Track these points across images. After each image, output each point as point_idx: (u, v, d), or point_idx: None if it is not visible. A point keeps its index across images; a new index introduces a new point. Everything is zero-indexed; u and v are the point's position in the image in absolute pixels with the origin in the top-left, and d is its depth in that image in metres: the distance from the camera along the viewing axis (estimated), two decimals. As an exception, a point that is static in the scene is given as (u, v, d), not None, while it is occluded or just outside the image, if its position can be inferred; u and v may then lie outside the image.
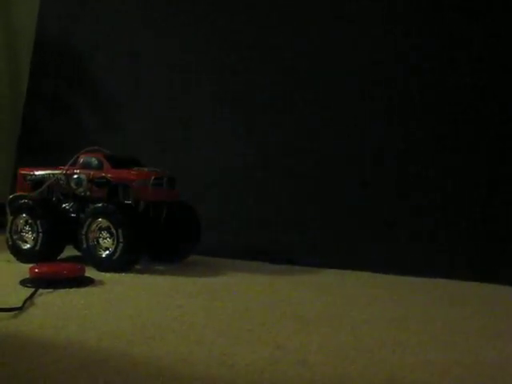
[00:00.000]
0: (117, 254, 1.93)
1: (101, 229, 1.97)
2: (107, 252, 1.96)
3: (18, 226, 2.12)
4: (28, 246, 2.10)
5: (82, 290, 1.69)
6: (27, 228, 2.11)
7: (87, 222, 1.98)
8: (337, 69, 2.33)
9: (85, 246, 1.99)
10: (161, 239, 2.11)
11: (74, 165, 2.12)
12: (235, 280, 1.93)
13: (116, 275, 1.90)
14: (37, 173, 2.19)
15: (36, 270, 1.74)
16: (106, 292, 1.69)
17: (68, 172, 2.11)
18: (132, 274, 1.93)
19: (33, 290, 1.62)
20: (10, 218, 2.14)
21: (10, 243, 2.13)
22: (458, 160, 2.12)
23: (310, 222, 2.32)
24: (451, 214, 2.11)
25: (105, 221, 1.96)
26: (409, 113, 2.21)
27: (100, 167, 2.07)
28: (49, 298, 1.59)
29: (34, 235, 2.08)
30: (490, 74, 2.10)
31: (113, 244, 1.94)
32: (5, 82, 3.25)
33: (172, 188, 2.11)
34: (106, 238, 1.97)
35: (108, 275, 1.89)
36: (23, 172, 2.24)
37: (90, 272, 1.87)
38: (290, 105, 2.42)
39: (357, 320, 1.46)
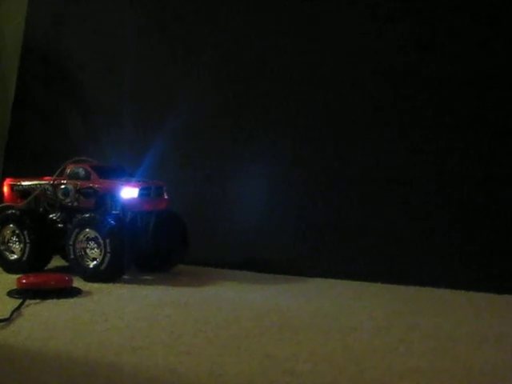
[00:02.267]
0: (104, 265, 1.93)
1: (88, 239, 1.96)
2: (94, 262, 1.95)
3: (4, 237, 2.11)
4: (15, 256, 2.10)
5: (70, 301, 1.68)
6: (14, 238, 2.10)
7: (74, 233, 1.97)
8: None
9: (72, 256, 1.98)
10: (148, 249, 2.11)
11: (61, 175, 2.12)
12: (223, 289, 1.92)
13: (104, 285, 1.90)
14: (24, 183, 2.19)
15: (23, 281, 1.73)
16: (94, 303, 1.68)
17: (55, 182, 2.10)
18: (120, 284, 1.92)
19: (20, 300, 1.61)
20: None
21: None
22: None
23: (296, 231, 2.32)
24: (443, 222, 2.12)
25: (92, 231, 1.95)
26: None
27: (87, 177, 2.06)
28: (36, 309, 1.58)
29: (22, 246, 2.08)
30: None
31: (100, 254, 1.94)
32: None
33: (160, 196, 2.11)
34: (93, 249, 1.96)
35: (96, 286, 1.89)
36: (10, 182, 2.23)
37: (78, 282, 1.86)
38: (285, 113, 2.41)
39: (346, 328, 1.46)
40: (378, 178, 2.22)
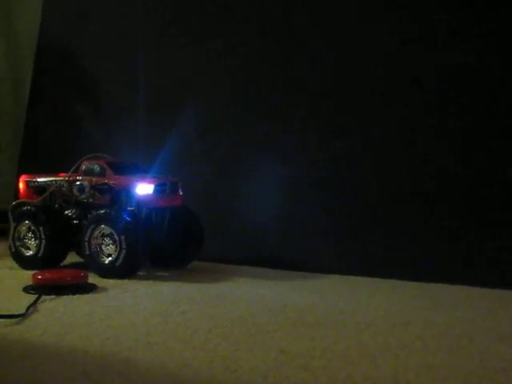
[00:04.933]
0: (119, 261, 1.93)
1: (103, 235, 1.97)
2: (110, 258, 1.96)
3: (20, 233, 2.12)
4: (31, 252, 2.11)
5: (85, 297, 1.69)
6: (30, 235, 2.11)
7: (90, 229, 1.98)
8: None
9: (87, 252, 1.99)
10: (163, 245, 2.11)
11: (77, 171, 2.12)
12: (238, 285, 1.92)
13: (119, 282, 1.90)
14: (39, 179, 2.20)
15: (39, 277, 1.74)
16: (109, 298, 1.69)
17: (70, 179, 2.11)
18: (135, 281, 1.93)
19: (36, 296, 1.62)
20: (12, 224, 2.14)
21: (13, 250, 2.13)
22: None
23: (311, 228, 2.31)
24: (457, 221, 2.10)
25: (107, 227, 1.96)
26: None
27: (102, 174, 2.07)
28: (52, 305, 1.59)
29: (37, 242, 2.09)
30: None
31: (115, 250, 1.94)
32: (7, 88, 3.26)
33: (175, 193, 2.11)
34: (108, 245, 1.97)
35: (111, 282, 1.89)
36: (26, 179, 2.24)
37: (93, 278, 1.87)
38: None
39: (360, 324, 1.45)
40: (392, 175, 2.21)
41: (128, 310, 1.54)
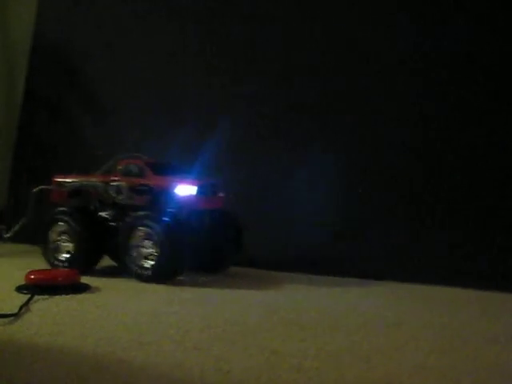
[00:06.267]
0: (160, 265, 1.85)
1: (143, 238, 1.89)
2: (151, 262, 1.89)
3: (54, 236, 2.04)
4: (66, 255, 2.03)
5: (78, 297, 1.68)
6: (64, 237, 2.04)
7: (129, 231, 1.90)
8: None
9: (126, 256, 1.92)
10: (203, 249, 2.03)
11: (110, 171, 2.05)
12: (230, 285, 1.92)
13: (112, 281, 1.90)
14: (73, 180, 2.11)
15: (32, 277, 1.73)
16: (102, 298, 1.68)
17: (106, 179, 2.03)
18: (129, 281, 1.92)
19: (28, 296, 1.61)
20: (45, 227, 2.06)
21: (48, 254, 2.06)
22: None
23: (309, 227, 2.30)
24: (451, 222, 2.11)
25: (148, 229, 1.87)
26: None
27: (141, 174, 1.99)
28: (44, 305, 1.58)
29: (72, 244, 2.02)
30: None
31: (156, 254, 1.86)
32: (1, 86, 3.24)
33: (216, 195, 2.03)
34: (148, 248, 1.89)
35: (105, 281, 1.88)
36: (58, 179, 2.16)
37: (86, 279, 1.86)
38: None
39: (353, 325, 1.45)
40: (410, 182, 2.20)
41: (120, 311, 1.54)
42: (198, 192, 1.93)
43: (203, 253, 2.03)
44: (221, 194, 2.05)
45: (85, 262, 2.01)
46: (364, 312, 1.61)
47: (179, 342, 1.27)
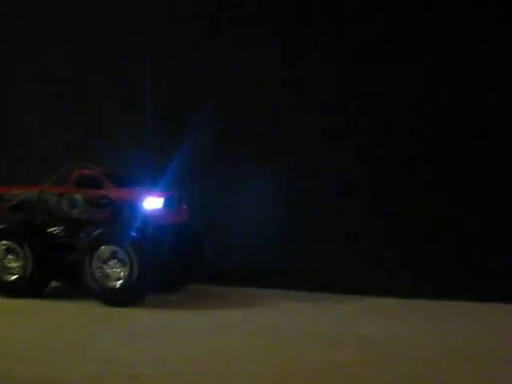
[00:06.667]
0: (131, 284, 1.78)
1: (108, 257, 1.82)
2: (119, 282, 1.79)
3: None
4: (14, 277, 1.88)
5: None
6: (11, 256, 1.90)
7: (90, 249, 1.82)
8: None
9: (89, 276, 1.82)
10: (169, 265, 1.96)
11: (62, 182, 1.97)
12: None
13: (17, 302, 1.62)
14: (16, 192, 1.99)
15: None
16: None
17: (59, 191, 1.94)
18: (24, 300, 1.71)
19: None
20: None
21: None
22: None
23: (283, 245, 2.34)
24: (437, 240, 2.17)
25: (115, 247, 1.79)
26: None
27: (99, 185, 1.90)
28: None
29: (22, 263, 1.89)
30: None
31: (125, 273, 1.78)
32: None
33: (180, 207, 1.99)
34: (114, 267, 1.81)
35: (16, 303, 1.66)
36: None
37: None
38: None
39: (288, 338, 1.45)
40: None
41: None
42: (166, 205, 1.86)
43: (169, 270, 1.98)
44: (184, 207, 2.01)
45: (36, 283, 1.87)
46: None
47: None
